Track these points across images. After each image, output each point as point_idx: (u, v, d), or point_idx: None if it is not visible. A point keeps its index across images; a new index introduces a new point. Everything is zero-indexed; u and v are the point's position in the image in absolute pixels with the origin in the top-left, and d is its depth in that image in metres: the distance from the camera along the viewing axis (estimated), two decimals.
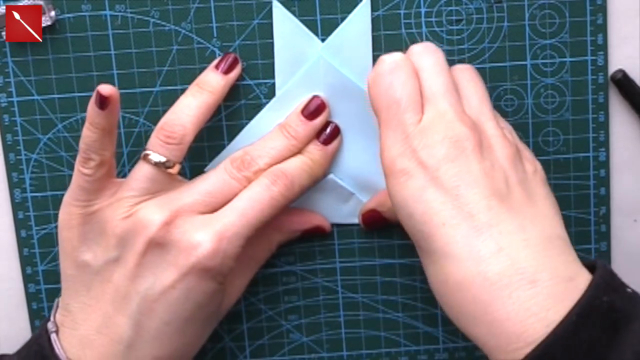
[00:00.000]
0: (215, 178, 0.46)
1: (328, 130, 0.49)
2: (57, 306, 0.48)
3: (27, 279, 0.52)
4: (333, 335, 0.53)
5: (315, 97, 0.49)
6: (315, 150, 0.49)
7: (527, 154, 0.45)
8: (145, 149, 0.46)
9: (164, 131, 0.46)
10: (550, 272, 0.39)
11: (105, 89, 0.44)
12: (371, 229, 0.51)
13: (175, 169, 0.46)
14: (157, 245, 0.44)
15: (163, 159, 0.46)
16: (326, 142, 0.49)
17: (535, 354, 0.37)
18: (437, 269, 0.41)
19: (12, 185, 0.51)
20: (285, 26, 0.49)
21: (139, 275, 0.45)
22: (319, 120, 0.49)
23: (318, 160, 0.48)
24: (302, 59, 0.49)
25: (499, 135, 0.43)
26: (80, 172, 0.45)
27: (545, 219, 0.42)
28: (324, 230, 0.51)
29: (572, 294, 0.39)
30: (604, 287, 0.39)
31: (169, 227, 0.44)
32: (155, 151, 0.46)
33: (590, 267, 0.41)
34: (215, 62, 0.49)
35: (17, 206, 0.51)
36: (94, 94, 0.44)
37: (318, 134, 0.49)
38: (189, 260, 0.44)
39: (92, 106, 0.44)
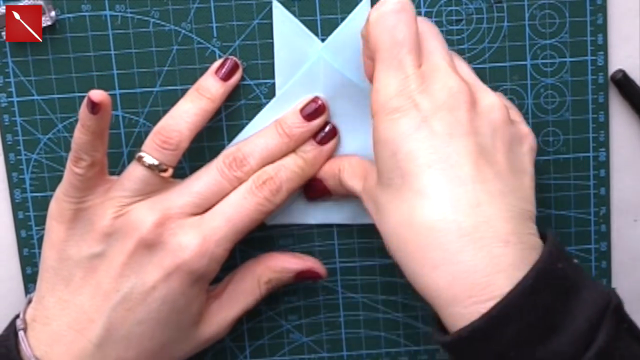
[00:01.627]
0: (207, 178, 0.47)
1: (326, 129, 0.49)
2: (29, 302, 0.48)
3: (27, 279, 0.52)
4: (333, 336, 0.53)
5: (315, 98, 0.49)
6: (310, 150, 0.48)
7: (522, 127, 0.45)
8: (140, 151, 0.46)
9: (161, 135, 0.46)
10: (520, 237, 0.40)
11: (96, 95, 0.44)
12: (313, 199, 0.50)
13: (168, 173, 0.46)
14: (146, 246, 0.45)
15: (156, 162, 0.46)
16: (322, 142, 0.49)
17: (492, 313, 0.38)
18: (405, 208, 0.41)
19: (12, 186, 0.51)
20: (285, 26, 0.49)
21: (123, 274, 0.45)
22: (317, 122, 0.48)
23: (311, 161, 0.48)
24: (302, 59, 0.49)
25: (496, 102, 0.43)
26: (72, 171, 0.45)
27: (524, 193, 0.42)
28: (318, 275, 0.50)
29: (535, 260, 0.39)
30: (557, 254, 0.40)
31: (159, 228, 0.45)
32: (150, 154, 0.46)
33: (542, 237, 0.42)
34: (215, 66, 0.49)
35: (17, 206, 0.51)
36: (86, 99, 0.44)
37: (315, 133, 0.49)
38: (174, 261, 0.45)
39: (84, 109, 0.45)
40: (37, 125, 0.50)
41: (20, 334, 0.46)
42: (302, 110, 0.48)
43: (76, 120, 0.50)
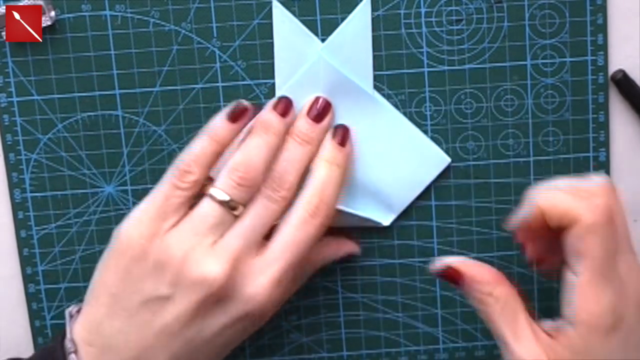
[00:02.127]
0: (257, 208, 0.46)
1: (341, 131, 0.49)
2: (72, 318, 0.47)
3: (27, 279, 0.52)
4: (333, 335, 0.53)
5: (318, 97, 0.49)
6: (339, 155, 0.48)
7: None
8: (211, 187, 0.45)
9: (237, 172, 0.45)
10: None
11: (244, 103, 0.47)
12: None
13: (238, 211, 0.45)
14: (216, 299, 0.44)
15: (228, 199, 0.45)
16: (342, 144, 0.48)
17: None
18: None
19: (12, 186, 0.51)
20: (285, 26, 0.49)
21: (192, 321, 0.44)
22: (327, 121, 0.48)
23: (343, 165, 0.48)
24: (302, 59, 0.49)
25: None
26: (173, 186, 0.45)
27: None
28: (354, 254, 0.52)
29: None
30: None
31: (228, 282, 0.44)
32: (224, 190, 0.45)
33: None
34: (272, 102, 0.48)
35: (17, 206, 0.51)
36: (230, 107, 0.46)
37: (335, 137, 0.48)
38: (244, 309, 0.45)
39: (220, 118, 0.46)
40: (37, 125, 0.50)
41: (72, 357, 0.45)
42: (308, 112, 0.48)
43: (76, 121, 0.50)
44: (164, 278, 0.44)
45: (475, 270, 0.44)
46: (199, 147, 0.46)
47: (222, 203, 0.45)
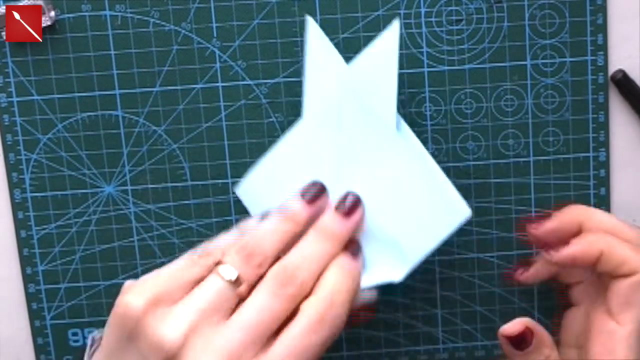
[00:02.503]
0: (262, 302, 0.42)
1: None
2: (92, 345, 0.46)
3: (27, 279, 0.52)
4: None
5: (348, 193, 0.46)
6: (348, 263, 0.45)
7: None
8: (218, 262, 0.43)
9: (245, 250, 0.43)
10: None
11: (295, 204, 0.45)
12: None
13: (244, 289, 0.42)
14: None
15: (234, 277, 0.42)
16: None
17: None
18: None
19: (12, 186, 0.51)
20: (318, 43, 0.47)
21: None
22: (355, 219, 0.45)
23: (356, 274, 0.45)
24: (331, 80, 0.47)
25: None
26: (192, 262, 0.42)
27: None
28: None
29: None
30: None
31: None
32: (233, 266, 0.42)
33: None
34: (301, 190, 0.46)
35: (17, 206, 0.51)
36: (263, 211, 0.44)
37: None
38: None
39: (254, 219, 0.44)
40: (37, 125, 0.50)
41: None
42: (337, 208, 0.45)
43: (76, 121, 0.50)
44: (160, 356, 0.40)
45: (541, 332, 0.46)
46: (228, 239, 0.44)
47: (228, 281, 0.42)
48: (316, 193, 0.46)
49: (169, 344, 0.39)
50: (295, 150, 0.48)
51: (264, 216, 0.45)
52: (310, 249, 0.44)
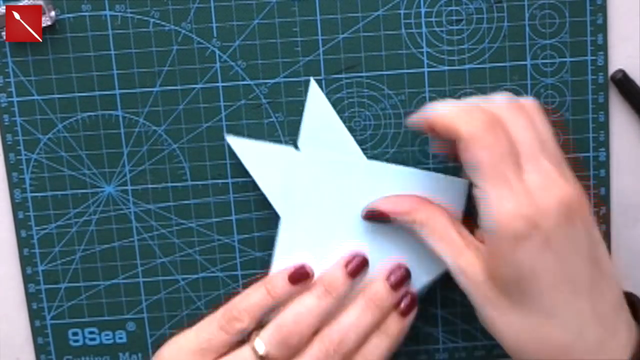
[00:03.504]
0: None
1: (406, 300, 0.47)
2: None
3: (27, 279, 0.52)
4: None
5: (399, 266, 0.48)
6: (394, 324, 0.47)
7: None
8: (255, 335, 0.46)
9: (282, 333, 0.45)
10: (627, 323, 0.43)
11: (307, 267, 0.46)
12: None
13: None
14: None
15: (266, 353, 0.45)
16: (404, 314, 0.47)
17: None
18: (531, 324, 0.42)
19: (12, 185, 0.51)
20: (317, 103, 0.49)
21: None
22: (403, 290, 0.47)
23: (396, 336, 0.47)
24: (328, 138, 0.49)
25: (587, 201, 0.44)
26: (221, 328, 0.45)
27: (613, 282, 0.44)
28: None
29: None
30: None
31: None
32: (266, 344, 0.45)
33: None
34: (344, 260, 0.47)
35: (17, 206, 0.51)
36: (293, 268, 0.46)
37: (397, 303, 0.47)
38: None
39: (282, 277, 0.46)
40: (37, 125, 0.50)
41: None
42: (388, 278, 0.47)
43: (76, 121, 0.50)
44: None
45: (392, 205, 0.46)
46: (254, 298, 0.46)
47: (261, 357, 0.45)
48: (358, 265, 0.47)
49: None
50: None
51: (292, 277, 0.46)
52: (359, 319, 0.46)
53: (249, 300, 0.46)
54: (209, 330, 0.46)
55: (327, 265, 0.47)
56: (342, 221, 0.48)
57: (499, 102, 0.44)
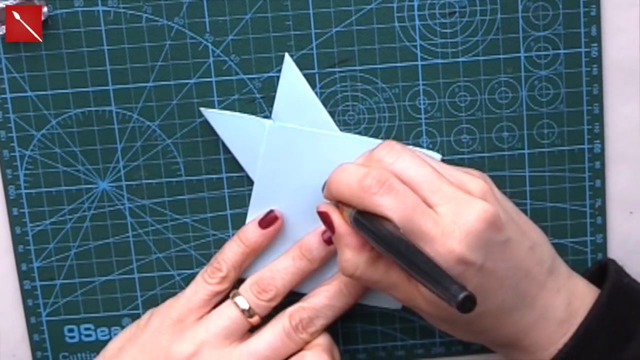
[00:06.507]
0: (273, 339, 0.48)
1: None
2: None
3: (22, 276, 0.52)
4: (330, 329, 0.53)
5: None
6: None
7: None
8: (237, 293, 0.49)
9: (257, 287, 0.48)
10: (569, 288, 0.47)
11: (277, 212, 0.49)
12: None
13: (255, 320, 0.48)
14: None
15: (247, 307, 0.48)
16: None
17: (579, 333, 0.45)
18: (486, 327, 0.46)
19: (6, 182, 0.51)
20: (291, 79, 0.50)
21: None
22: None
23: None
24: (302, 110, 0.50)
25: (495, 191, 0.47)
26: (204, 280, 0.49)
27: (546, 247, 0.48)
28: None
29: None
30: (621, 272, 0.48)
31: None
32: (245, 298, 0.48)
33: (602, 264, 0.49)
34: (319, 229, 0.49)
35: (11, 203, 0.51)
36: (262, 214, 0.49)
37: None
38: None
39: (253, 225, 0.49)
40: (31, 121, 0.50)
41: None
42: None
43: (70, 117, 0.50)
44: None
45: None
46: (229, 248, 0.49)
47: (241, 310, 0.48)
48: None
49: (181, 356, 0.47)
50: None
51: (261, 221, 0.49)
52: (329, 298, 0.49)
53: (226, 251, 0.49)
54: (195, 288, 0.49)
55: (298, 227, 0.50)
56: (313, 188, 0.49)
57: (375, 153, 0.45)
